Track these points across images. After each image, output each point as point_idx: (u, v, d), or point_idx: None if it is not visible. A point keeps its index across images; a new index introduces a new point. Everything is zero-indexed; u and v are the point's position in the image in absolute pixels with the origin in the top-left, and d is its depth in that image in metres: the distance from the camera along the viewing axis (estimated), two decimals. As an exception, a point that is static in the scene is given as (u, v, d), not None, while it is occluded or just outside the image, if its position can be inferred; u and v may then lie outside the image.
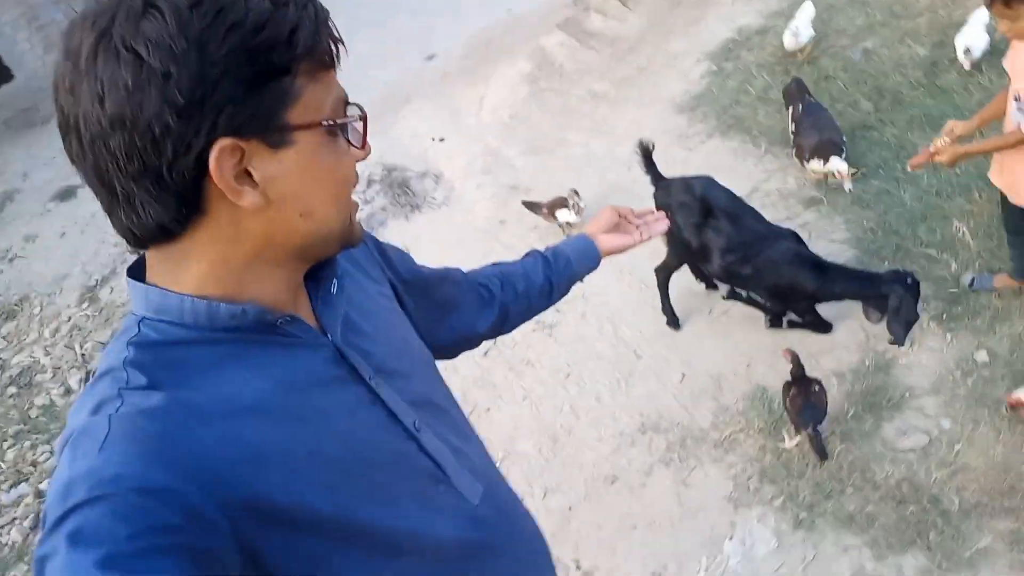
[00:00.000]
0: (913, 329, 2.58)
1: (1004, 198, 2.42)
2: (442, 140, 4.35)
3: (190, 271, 0.70)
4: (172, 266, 0.71)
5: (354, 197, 0.78)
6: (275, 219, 0.70)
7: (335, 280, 0.83)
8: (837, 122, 3.34)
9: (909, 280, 2.47)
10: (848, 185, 3.08)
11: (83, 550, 0.55)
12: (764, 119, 3.88)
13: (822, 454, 2.35)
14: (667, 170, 2.96)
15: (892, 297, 2.44)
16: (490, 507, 0.91)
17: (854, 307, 2.74)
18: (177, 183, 0.64)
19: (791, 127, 3.40)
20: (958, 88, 3.58)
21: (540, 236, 3.66)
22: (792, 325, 2.84)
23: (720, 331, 2.94)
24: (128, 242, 0.70)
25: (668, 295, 2.98)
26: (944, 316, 2.66)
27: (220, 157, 0.64)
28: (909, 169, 2.56)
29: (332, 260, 0.83)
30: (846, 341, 2.72)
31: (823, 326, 2.79)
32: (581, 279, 1.28)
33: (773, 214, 3.32)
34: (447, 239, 3.74)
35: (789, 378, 2.45)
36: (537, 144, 4.25)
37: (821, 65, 4.02)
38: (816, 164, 3.16)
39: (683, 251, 2.86)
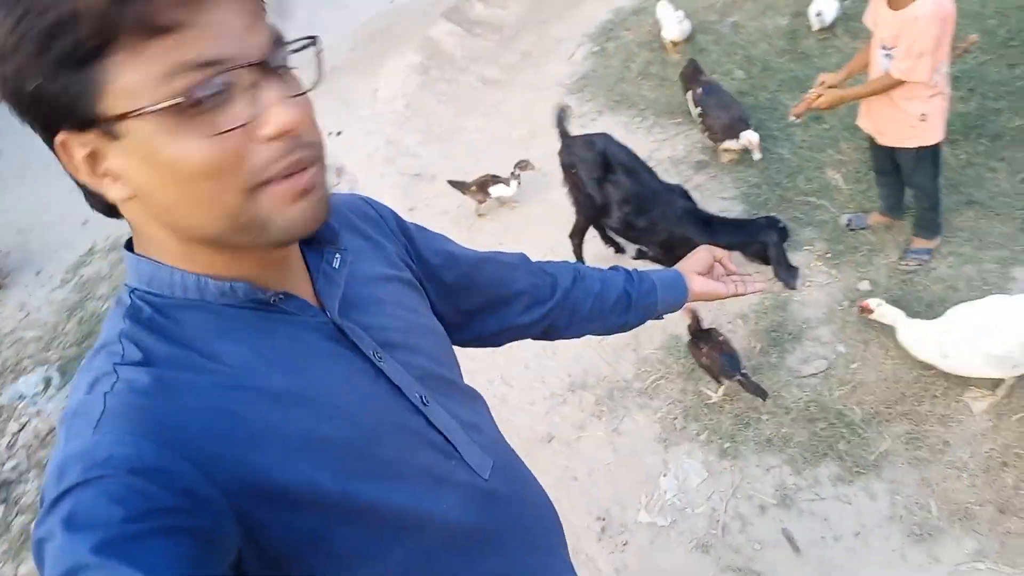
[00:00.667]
0: (802, 270, 2.86)
1: (872, 142, 2.70)
2: (339, 134, 4.34)
3: (151, 244, 0.68)
4: (139, 237, 0.69)
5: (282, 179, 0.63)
6: (151, 210, 0.64)
7: (337, 255, 0.80)
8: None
9: (780, 224, 2.75)
10: (757, 155, 3.27)
11: (79, 535, 0.53)
12: (648, 93, 4.10)
13: (761, 393, 2.45)
14: (565, 148, 3.11)
15: (770, 247, 2.69)
16: (501, 481, 0.89)
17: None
18: (72, 174, 0.63)
19: (695, 110, 3.50)
20: (817, 52, 3.92)
21: (452, 220, 3.74)
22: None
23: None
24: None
25: (584, 261, 3.13)
26: (828, 254, 2.93)
27: (63, 152, 0.61)
28: (792, 117, 2.79)
29: (333, 233, 0.80)
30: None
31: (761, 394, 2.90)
32: (660, 314, 1.20)
33: (668, 179, 3.54)
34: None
35: (691, 334, 2.59)
36: (435, 132, 4.31)
37: (696, 40, 4.28)
38: (730, 143, 3.31)
39: (589, 207, 3.02)
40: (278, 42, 0.62)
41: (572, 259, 3.14)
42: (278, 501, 0.65)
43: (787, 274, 2.70)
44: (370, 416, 0.76)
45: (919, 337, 2.36)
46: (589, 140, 2.99)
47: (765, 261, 2.76)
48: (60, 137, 0.59)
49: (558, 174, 3.11)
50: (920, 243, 2.77)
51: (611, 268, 1.19)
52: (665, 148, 3.75)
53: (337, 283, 0.79)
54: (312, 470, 0.67)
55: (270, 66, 0.61)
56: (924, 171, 2.57)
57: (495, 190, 3.55)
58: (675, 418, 2.62)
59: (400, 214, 0.98)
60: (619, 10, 4.85)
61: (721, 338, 2.57)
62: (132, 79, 0.56)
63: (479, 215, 3.72)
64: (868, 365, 2.52)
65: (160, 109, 0.57)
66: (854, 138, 3.30)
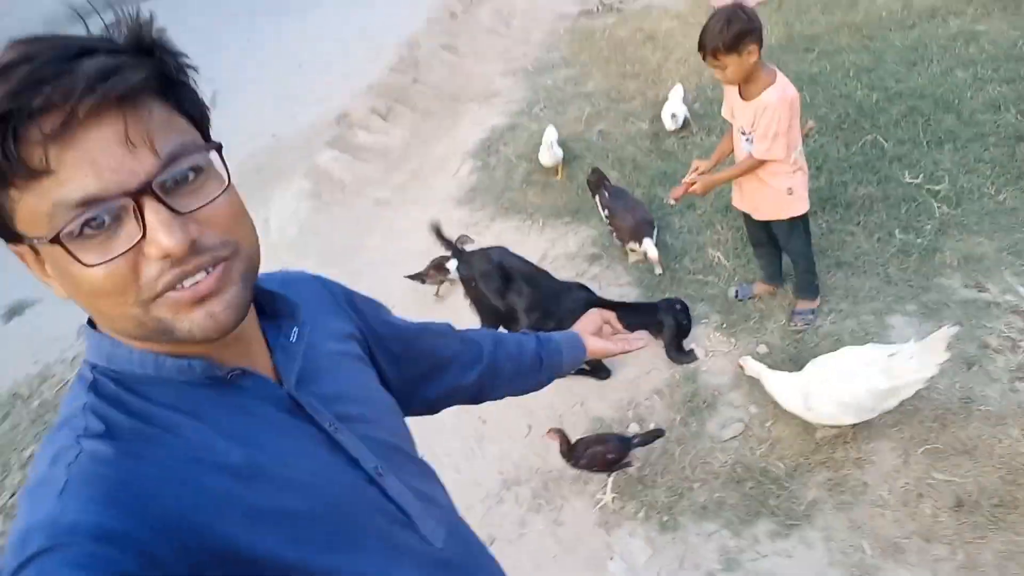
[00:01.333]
0: (702, 343, 3.06)
1: (748, 218, 2.98)
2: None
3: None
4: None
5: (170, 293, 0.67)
6: (86, 310, 0.70)
7: (296, 328, 0.84)
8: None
9: (678, 306, 2.97)
10: (658, 269, 3.40)
11: None
12: (534, 199, 4.34)
13: (659, 432, 2.61)
14: (463, 257, 3.24)
15: (666, 329, 2.92)
16: (454, 550, 0.92)
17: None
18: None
19: (603, 212, 3.66)
20: (678, 149, 4.33)
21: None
22: (580, 373, 3.08)
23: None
24: None
25: None
26: (724, 325, 3.14)
27: (17, 255, 0.69)
28: (671, 202, 3.03)
29: (292, 307, 0.85)
30: (655, 363, 3.09)
31: (603, 372, 3.07)
32: (564, 372, 1.30)
33: (566, 273, 3.72)
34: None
35: (564, 456, 2.60)
36: (332, 255, 4.34)
37: (569, 147, 4.62)
38: (634, 246, 3.45)
39: (493, 317, 3.13)
40: (172, 159, 0.65)
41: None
42: (239, 569, 0.65)
43: (677, 355, 2.97)
44: (328, 487, 0.78)
45: (784, 389, 2.53)
46: (486, 253, 3.13)
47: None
48: (8, 244, 0.67)
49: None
50: (803, 305, 3.04)
51: (521, 332, 1.30)
52: (558, 246, 3.95)
53: (295, 356, 0.82)
54: (273, 541, 0.69)
55: (154, 189, 0.63)
56: (798, 239, 2.86)
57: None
58: (612, 500, 2.64)
59: None
60: (494, 128, 5.17)
61: (593, 438, 2.61)
62: (26, 211, 0.62)
63: (438, 297, 3.79)
64: (781, 421, 2.67)
65: (47, 242, 0.62)
66: (726, 219, 3.63)
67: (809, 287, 3.00)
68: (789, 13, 5.24)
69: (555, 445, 2.84)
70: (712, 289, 3.33)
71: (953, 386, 2.60)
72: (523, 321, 3.00)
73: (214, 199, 0.68)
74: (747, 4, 5.39)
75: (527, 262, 3.16)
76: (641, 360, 3.11)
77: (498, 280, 3.02)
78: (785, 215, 2.76)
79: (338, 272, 4.07)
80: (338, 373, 0.89)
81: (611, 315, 1.39)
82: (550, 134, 4.32)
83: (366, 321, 1.01)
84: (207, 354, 0.73)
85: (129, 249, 0.63)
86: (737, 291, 3.24)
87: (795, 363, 2.82)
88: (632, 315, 2.95)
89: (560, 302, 2.98)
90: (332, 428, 0.81)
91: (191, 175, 0.67)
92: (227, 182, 0.70)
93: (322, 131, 5.25)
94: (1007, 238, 3.11)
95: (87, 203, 0.61)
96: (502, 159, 4.79)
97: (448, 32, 6.23)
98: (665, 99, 4.76)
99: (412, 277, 3.74)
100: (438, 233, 3.28)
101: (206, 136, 0.73)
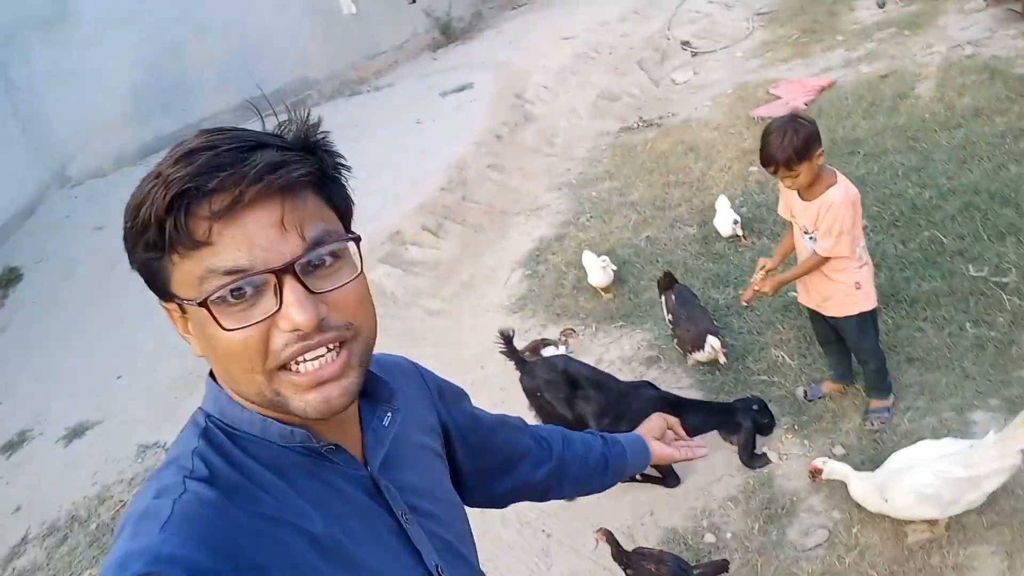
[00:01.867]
0: (775, 447, 2.94)
1: (814, 316, 2.91)
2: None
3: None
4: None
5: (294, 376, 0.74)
6: (215, 369, 0.79)
7: (389, 412, 0.88)
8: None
9: (755, 406, 2.85)
10: (722, 359, 3.27)
11: None
12: (585, 304, 4.35)
13: (721, 568, 2.41)
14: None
15: (743, 431, 2.81)
16: None
17: (710, 438, 3.05)
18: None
19: (667, 316, 3.58)
20: (729, 251, 4.33)
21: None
22: (648, 480, 2.98)
23: (615, 491, 3.04)
24: None
25: None
26: (795, 426, 3.02)
27: (165, 312, 0.78)
28: (743, 303, 3.00)
29: (389, 389, 0.89)
30: (726, 468, 2.95)
31: (672, 479, 2.95)
32: (628, 475, 1.30)
33: (623, 377, 3.65)
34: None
35: (615, 559, 2.46)
36: (386, 365, 4.35)
37: (618, 254, 4.66)
38: (699, 355, 3.35)
39: (560, 425, 3.04)
40: (315, 243, 0.74)
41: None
42: None
43: (751, 459, 2.86)
44: (392, 574, 0.81)
45: (865, 488, 2.42)
46: (549, 362, 3.12)
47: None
48: (161, 302, 0.77)
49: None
50: (877, 403, 2.91)
51: (587, 432, 1.30)
52: (612, 350, 3.91)
53: (383, 441, 0.87)
54: None
55: (296, 269, 0.72)
56: (866, 335, 2.77)
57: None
58: (691, 617, 2.46)
59: None
60: (541, 239, 5.27)
61: (651, 565, 2.43)
62: (182, 274, 0.72)
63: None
64: (868, 526, 2.50)
65: (195, 303, 0.71)
66: (786, 318, 3.56)
67: (881, 384, 2.88)
68: (830, 119, 5.34)
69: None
70: (778, 390, 3.23)
71: (1055, 485, 2.42)
72: (594, 427, 2.92)
73: (345, 284, 0.75)
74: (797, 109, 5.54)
75: (590, 367, 3.12)
76: (711, 466, 2.99)
77: (565, 388, 2.96)
78: (853, 311, 2.69)
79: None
80: (417, 465, 0.92)
81: (675, 421, 1.38)
82: (593, 260, 4.29)
83: (449, 411, 1.05)
84: (308, 426, 0.78)
85: (264, 319, 0.71)
86: (806, 391, 3.13)
87: (875, 464, 2.67)
88: (706, 415, 2.87)
89: (630, 403, 2.89)
90: (404, 518, 0.84)
91: (329, 260, 0.75)
92: (359, 270, 0.78)
93: (375, 248, 5.39)
94: (1089, 328, 2.98)
95: (235, 273, 0.70)
96: (551, 267, 4.85)
97: (494, 153, 6.48)
98: (711, 206, 4.84)
99: (506, 354, 3.58)
100: (507, 342, 3.25)
101: (348, 227, 0.81)
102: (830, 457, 2.81)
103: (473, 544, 1.01)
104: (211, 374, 0.82)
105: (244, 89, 8.48)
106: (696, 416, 2.84)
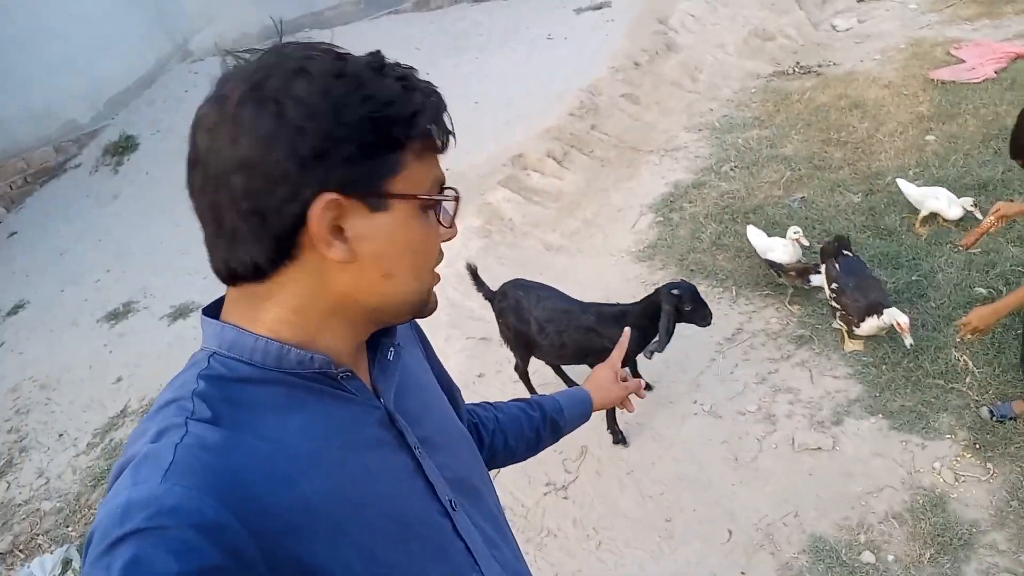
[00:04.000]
0: (949, 464, 2.56)
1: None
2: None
3: (269, 313, 0.74)
4: (251, 306, 0.75)
5: (439, 270, 0.82)
6: (358, 276, 0.75)
7: (392, 348, 0.87)
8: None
9: (675, 290, 2.76)
10: (908, 340, 2.82)
11: None
12: (726, 264, 3.95)
13: None
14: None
15: (662, 315, 2.73)
16: None
17: (887, 445, 2.68)
18: (279, 226, 0.70)
19: (828, 287, 3.18)
20: (901, 228, 3.82)
21: (523, 389, 3.42)
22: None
23: (752, 477, 2.75)
24: (220, 277, 0.75)
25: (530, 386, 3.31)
26: (977, 445, 2.62)
27: (323, 208, 0.70)
28: (962, 245, 2.66)
29: (392, 328, 0.87)
30: (889, 479, 2.60)
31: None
32: (570, 430, 1.31)
33: (764, 354, 3.29)
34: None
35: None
36: (500, 296, 4.10)
37: (767, 213, 4.21)
38: (867, 326, 2.93)
39: (523, 348, 3.16)
40: None
41: (671, 439, 2.80)
42: None
43: (656, 343, 2.74)
44: (408, 509, 0.79)
45: None
46: (502, 290, 3.20)
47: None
48: (329, 195, 0.70)
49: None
50: (1089, 436, 2.48)
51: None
52: (756, 321, 3.53)
53: (392, 374, 0.86)
54: (351, 554, 0.71)
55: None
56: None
57: (814, 277, 3.36)
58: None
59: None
60: (677, 184, 4.84)
61: None
62: (417, 174, 0.75)
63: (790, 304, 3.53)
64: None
65: (432, 201, 0.77)
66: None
67: (1102, 416, 2.45)
68: (1014, 91, 4.67)
69: (763, 562, 2.42)
70: (957, 399, 2.81)
71: None
72: (538, 339, 2.99)
73: None
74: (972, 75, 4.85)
75: (542, 286, 3.18)
76: (870, 473, 2.64)
77: (517, 311, 3.05)
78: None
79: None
80: (425, 399, 0.92)
81: (617, 363, 1.40)
82: (761, 236, 3.76)
83: (429, 357, 1.04)
84: (331, 353, 0.77)
85: (447, 227, 0.81)
86: (992, 410, 2.71)
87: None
88: (639, 315, 2.83)
89: (572, 318, 2.94)
90: (417, 451, 0.83)
91: None
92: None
93: (496, 170, 5.07)
94: None
95: (448, 187, 0.80)
96: (687, 216, 4.44)
97: (630, 82, 5.98)
98: (878, 173, 4.31)
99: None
100: (474, 274, 3.32)
101: None
102: (1020, 490, 2.42)
103: (488, 478, 0.99)
104: (205, 311, 0.79)
105: (369, -19, 8.16)
106: (632, 318, 2.80)
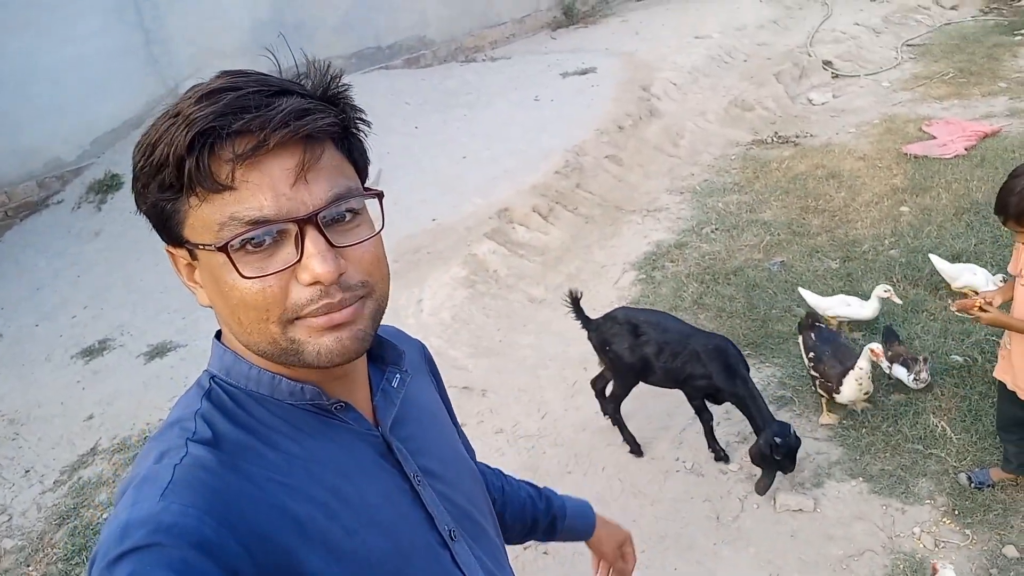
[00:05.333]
0: (929, 530, 2.58)
1: (1004, 395, 2.53)
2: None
3: (233, 341, 0.76)
4: (229, 336, 0.78)
5: (309, 320, 0.71)
6: (224, 324, 0.75)
7: (398, 375, 0.86)
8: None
9: (778, 439, 2.66)
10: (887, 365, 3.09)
11: None
12: (707, 323, 4.00)
13: None
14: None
15: (756, 451, 2.72)
16: None
17: (867, 508, 2.70)
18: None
19: (806, 356, 3.24)
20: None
21: (507, 440, 3.40)
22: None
23: (734, 537, 2.73)
24: None
25: (624, 425, 3.21)
26: (956, 511, 2.64)
27: (170, 258, 0.75)
28: (954, 308, 2.61)
29: (397, 352, 0.88)
30: (870, 543, 2.61)
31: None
32: (565, 536, 1.26)
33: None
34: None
35: None
36: (483, 346, 4.11)
37: (747, 275, 4.30)
38: (850, 381, 2.97)
39: (631, 375, 3.11)
40: (336, 198, 0.71)
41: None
42: None
43: (765, 478, 2.76)
44: (405, 537, 0.78)
45: None
46: (611, 316, 3.18)
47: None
48: (166, 247, 0.74)
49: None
50: (1063, 504, 2.52)
51: (532, 489, 1.23)
52: (737, 381, 3.56)
53: (393, 401, 0.84)
54: None
55: (318, 221, 0.69)
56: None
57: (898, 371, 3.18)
58: None
59: None
60: (659, 243, 4.94)
61: None
62: (199, 219, 0.69)
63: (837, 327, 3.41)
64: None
65: (212, 249, 0.68)
66: (945, 382, 3.17)
67: (1077, 485, 2.49)
68: (995, 170, 4.87)
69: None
70: (936, 464, 2.85)
71: None
72: (654, 365, 2.99)
73: (363, 240, 0.73)
74: (945, 149, 5.04)
75: (651, 311, 3.19)
76: (851, 537, 2.65)
77: (629, 337, 3.03)
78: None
79: (489, 364, 3.81)
80: (429, 428, 0.90)
81: (628, 552, 1.34)
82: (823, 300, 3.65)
83: (441, 391, 1.04)
84: (318, 383, 0.76)
85: (284, 269, 0.69)
86: (970, 476, 2.74)
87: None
88: (742, 409, 2.87)
89: (687, 343, 2.95)
90: (416, 480, 0.81)
91: (348, 216, 0.73)
92: (377, 230, 0.76)
93: (483, 222, 5.14)
94: None
95: (258, 223, 0.67)
96: (669, 275, 4.51)
97: (615, 144, 6.14)
98: (855, 241, 4.44)
99: (573, 313, 3.35)
100: (574, 302, 3.27)
101: (363, 183, 0.79)
102: (999, 558, 2.44)
103: (492, 515, 0.98)
104: (217, 335, 0.80)
105: (362, 39, 8.36)
106: (739, 393, 2.84)
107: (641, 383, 3.14)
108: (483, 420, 3.55)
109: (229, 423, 0.73)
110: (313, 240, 0.69)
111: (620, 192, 5.72)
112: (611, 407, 3.21)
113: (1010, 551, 2.47)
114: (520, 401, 3.66)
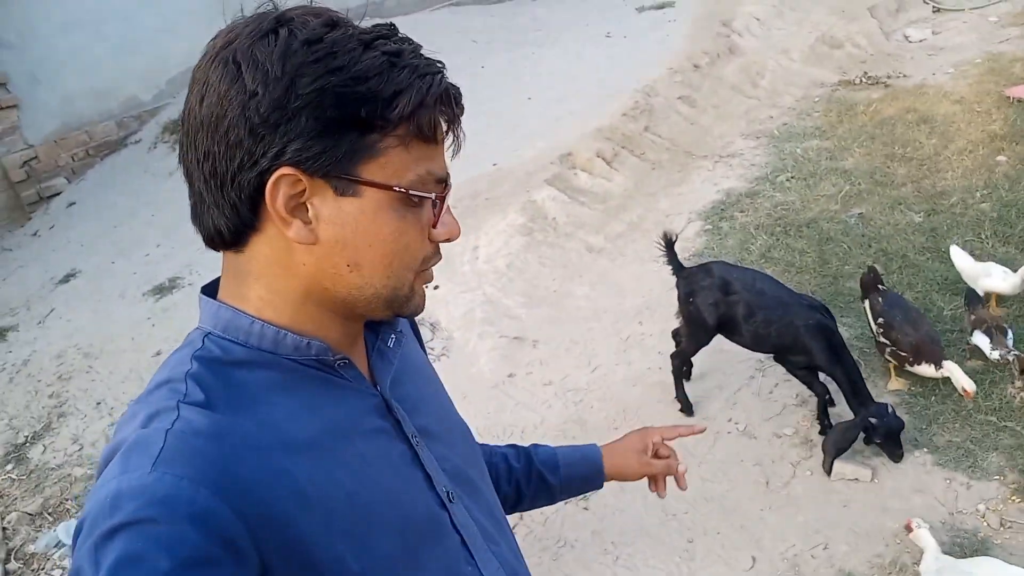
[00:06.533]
0: (995, 508, 2.42)
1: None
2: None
3: (252, 290, 0.72)
4: (239, 282, 0.73)
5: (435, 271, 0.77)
6: (323, 261, 0.71)
7: (393, 335, 0.84)
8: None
9: (875, 419, 2.57)
10: (969, 387, 2.66)
11: None
12: (777, 278, 3.80)
13: None
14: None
15: (852, 428, 2.61)
16: None
17: (929, 481, 2.54)
18: (237, 194, 0.68)
19: (873, 322, 3.01)
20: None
21: (555, 392, 3.36)
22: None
23: (783, 504, 2.63)
24: (204, 241, 0.74)
25: (682, 382, 3.11)
26: (1028, 490, 2.46)
27: (277, 183, 0.67)
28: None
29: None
30: (928, 518, 2.44)
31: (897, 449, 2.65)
32: (571, 493, 1.17)
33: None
34: (451, 392, 3.38)
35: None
36: (538, 295, 4.04)
37: (821, 227, 4.05)
38: (924, 368, 2.80)
39: (702, 334, 2.97)
40: None
41: (707, 459, 2.71)
42: (305, 571, 0.65)
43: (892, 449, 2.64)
44: (404, 499, 0.76)
45: (928, 568, 2.16)
46: (706, 268, 3.01)
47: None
48: (286, 170, 0.66)
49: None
50: None
51: (516, 452, 1.14)
52: (800, 340, 3.38)
53: (391, 361, 0.83)
54: (344, 547, 0.67)
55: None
56: None
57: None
58: None
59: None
60: (729, 191, 4.70)
61: None
62: (398, 162, 0.69)
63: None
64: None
65: (406, 194, 0.70)
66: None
67: None
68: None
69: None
70: (1010, 438, 2.65)
71: None
72: (743, 328, 2.84)
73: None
74: None
75: (752, 271, 3.02)
76: (911, 508, 2.50)
77: (717, 292, 2.87)
78: None
79: (542, 315, 3.75)
80: (424, 389, 0.89)
81: (659, 439, 1.17)
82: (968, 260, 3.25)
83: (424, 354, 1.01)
84: (326, 340, 0.74)
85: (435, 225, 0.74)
86: (1050, 451, 2.54)
87: None
88: (839, 383, 2.71)
89: (784, 312, 2.76)
90: (415, 440, 0.80)
91: None
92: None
93: (544, 167, 5.00)
94: None
95: (441, 181, 0.73)
96: (737, 226, 4.30)
97: (689, 84, 5.83)
98: (944, 192, 4.10)
99: (666, 257, 3.16)
100: (669, 245, 3.13)
101: None
102: (1074, 542, 2.26)
103: (487, 475, 0.96)
104: (204, 290, 0.76)
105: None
106: (842, 368, 2.67)
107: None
108: (532, 371, 3.51)
109: (223, 383, 0.69)
110: (449, 207, 0.75)
111: (691, 136, 5.45)
112: (676, 361, 3.09)
113: (1087, 537, 2.28)
114: (571, 353, 3.59)
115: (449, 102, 0.70)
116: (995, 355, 2.82)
